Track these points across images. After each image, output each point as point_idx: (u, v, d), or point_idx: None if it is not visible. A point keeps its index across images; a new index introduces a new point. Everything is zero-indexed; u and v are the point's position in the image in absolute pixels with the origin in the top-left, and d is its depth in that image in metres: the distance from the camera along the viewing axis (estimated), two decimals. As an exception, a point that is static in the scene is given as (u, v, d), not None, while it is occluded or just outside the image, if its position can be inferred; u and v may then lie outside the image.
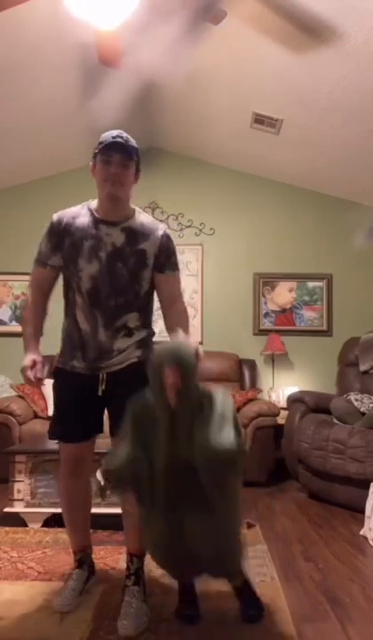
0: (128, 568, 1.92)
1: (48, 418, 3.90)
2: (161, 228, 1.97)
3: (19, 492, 2.80)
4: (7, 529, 2.70)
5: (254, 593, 1.86)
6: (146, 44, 2.88)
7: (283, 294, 4.81)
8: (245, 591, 1.85)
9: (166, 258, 1.95)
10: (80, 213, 1.97)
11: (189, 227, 4.88)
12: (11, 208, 4.91)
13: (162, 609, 1.85)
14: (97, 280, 1.88)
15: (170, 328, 1.93)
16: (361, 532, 2.70)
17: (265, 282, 4.82)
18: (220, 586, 2.00)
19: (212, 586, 2.02)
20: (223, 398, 1.68)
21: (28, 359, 2.04)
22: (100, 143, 1.88)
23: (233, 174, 4.91)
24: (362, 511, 2.75)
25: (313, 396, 3.83)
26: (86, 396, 1.93)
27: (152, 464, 1.58)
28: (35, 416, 3.95)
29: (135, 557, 1.91)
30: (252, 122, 3.95)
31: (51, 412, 3.92)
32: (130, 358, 1.91)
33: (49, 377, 4.71)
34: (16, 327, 4.81)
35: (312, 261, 4.82)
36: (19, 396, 4.02)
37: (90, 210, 1.96)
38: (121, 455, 1.61)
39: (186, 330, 1.88)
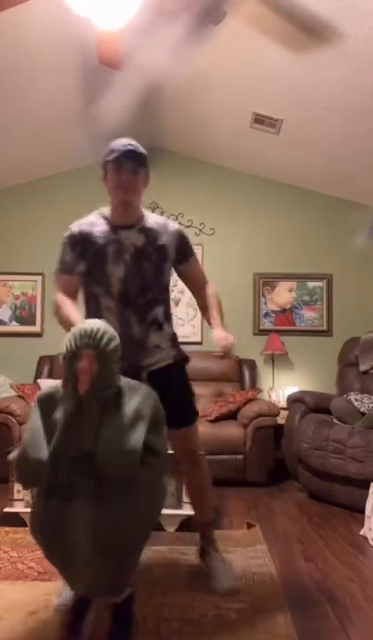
0: (203, 536, 2.18)
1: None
2: (172, 223, 2.13)
3: (19, 492, 2.80)
4: (7, 529, 2.70)
5: (130, 619, 1.62)
6: (148, 45, 2.88)
7: (283, 294, 4.81)
8: (122, 613, 1.60)
9: (186, 246, 2.13)
10: (96, 222, 2.03)
11: (189, 227, 4.88)
12: (12, 208, 4.91)
13: (162, 609, 1.85)
14: (125, 281, 1.96)
15: (204, 308, 2.16)
16: (361, 532, 2.70)
17: (265, 282, 4.82)
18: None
19: (211, 587, 2.03)
20: (145, 395, 1.59)
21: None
22: (111, 152, 1.96)
23: (233, 174, 4.91)
24: (362, 511, 2.75)
25: (313, 395, 3.83)
26: None
27: (53, 452, 1.49)
28: (35, 416, 3.95)
29: (208, 525, 2.19)
30: (252, 122, 3.95)
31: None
32: (167, 359, 2.05)
33: (49, 377, 4.72)
34: (16, 327, 4.82)
35: (312, 261, 4.82)
36: (19, 396, 4.02)
37: (104, 218, 2.03)
38: (32, 448, 1.50)
39: (220, 308, 2.12)
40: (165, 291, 2.08)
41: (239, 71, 3.40)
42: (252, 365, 4.57)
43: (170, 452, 1.93)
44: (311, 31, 2.74)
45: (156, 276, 2.01)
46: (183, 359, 2.12)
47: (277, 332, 4.67)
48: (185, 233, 2.14)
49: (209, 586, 2.01)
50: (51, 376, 4.43)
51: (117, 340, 1.53)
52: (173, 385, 2.01)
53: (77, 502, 1.45)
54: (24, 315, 4.82)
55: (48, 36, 3.05)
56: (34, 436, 1.52)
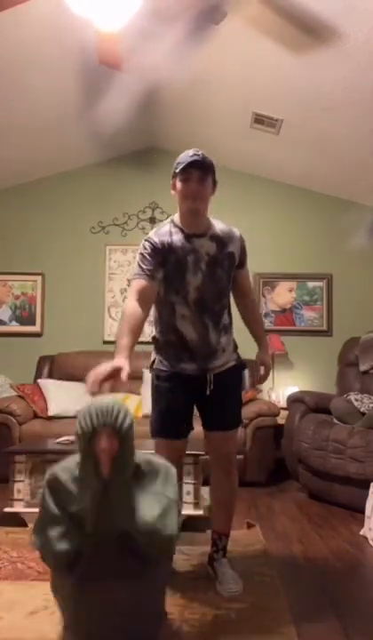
0: (215, 545, 2.18)
1: (48, 418, 3.91)
2: (236, 230, 2.19)
3: (19, 491, 2.80)
4: (7, 529, 2.70)
5: None
6: (148, 46, 2.88)
7: (283, 294, 4.81)
8: None
9: (245, 256, 2.21)
10: (172, 232, 2.08)
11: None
12: (12, 208, 4.91)
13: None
14: (202, 289, 2.05)
15: (245, 316, 2.29)
16: (361, 532, 2.70)
17: (265, 282, 4.82)
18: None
19: (212, 585, 2.03)
20: (166, 475, 1.57)
21: (121, 360, 1.79)
22: (178, 163, 2.05)
23: (233, 174, 4.90)
24: (362, 511, 2.75)
25: (313, 396, 3.83)
26: (191, 395, 2.10)
27: (77, 533, 1.46)
28: (35, 416, 3.95)
29: (224, 536, 2.19)
30: (252, 122, 3.95)
31: (51, 411, 3.93)
32: (230, 361, 2.16)
33: (49, 377, 4.72)
34: (16, 327, 4.82)
35: (312, 261, 4.82)
36: (19, 396, 4.02)
37: (177, 227, 2.09)
38: (52, 538, 1.48)
39: (259, 317, 2.35)
40: (229, 295, 2.19)
41: (239, 71, 3.40)
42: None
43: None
44: (311, 31, 2.74)
45: (227, 282, 2.13)
46: (242, 364, 2.23)
47: (277, 331, 4.67)
48: (244, 242, 2.21)
49: (218, 590, 2.01)
50: (50, 376, 4.43)
51: (132, 417, 1.49)
52: (229, 387, 2.13)
53: (113, 581, 1.45)
54: (24, 315, 4.82)
55: (48, 36, 3.04)
56: (54, 527, 1.48)
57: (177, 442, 2.09)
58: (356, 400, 3.57)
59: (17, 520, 2.77)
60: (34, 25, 2.93)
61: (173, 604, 1.88)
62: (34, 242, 4.87)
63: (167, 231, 2.07)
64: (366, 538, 2.64)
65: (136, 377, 4.25)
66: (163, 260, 2.02)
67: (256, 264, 4.82)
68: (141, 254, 2.03)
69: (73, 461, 1.55)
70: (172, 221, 2.11)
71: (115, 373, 1.71)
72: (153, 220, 4.85)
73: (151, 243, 2.04)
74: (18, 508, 2.79)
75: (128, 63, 2.83)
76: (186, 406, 2.10)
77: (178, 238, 2.04)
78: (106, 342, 4.66)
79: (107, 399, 1.49)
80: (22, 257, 4.85)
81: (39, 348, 4.68)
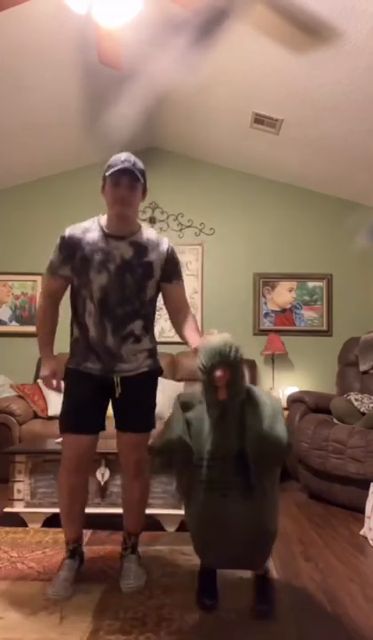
0: (124, 543, 2.19)
1: (48, 418, 3.91)
2: (166, 242, 2.15)
3: (19, 491, 2.80)
4: (7, 529, 2.70)
5: (271, 587, 1.96)
6: (149, 46, 2.88)
7: (283, 294, 4.81)
8: (263, 583, 1.94)
9: (173, 268, 2.14)
10: (90, 228, 2.10)
11: (189, 227, 4.88)
12: (12, 208, 4.92)
13: (162, 609, 1.85)
14: (106, 290, 2.03)
15: (181, 332, 2.13)
16: (361, 532, 2.70)
17: (265, 282, 4.82)
18: (219, 585, 2.01)
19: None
20: (271, 396, 1.85)
21: (48, 369, 2.14)
22: (109, 167, 2.01)
23: (233, 174, 4.91)
24: (362, 511, 2.75)
25: (313, 396, 3.83)
26: (100, 393, 2.10)
27: (198, 451, 1.71)
28: (35, 416, 3.95)
29: (133, 536, 2.18)
30: (252, 122, 3.95)
31: (51, 411, 3.93)
32: (142, 367, 2.11)
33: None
34: (16, 327, 4.82)
35: (312, 261, 4.82)
36: (19, 396, 4.02)
37: (99, 225, 2.10)
38: (172, 436, 1.74)
39: (197, 332, 2.10)
40: (147, 305, 2.11)
41: (239, 71, 3.40)
42: (252, 365, 4.57)
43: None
44: (311, 31, 2.74)
45: (138, 289, 2.06)
46: (156, 370, 2.17)
47: (277, 332, 4.67)
48: (176, 256, 2.16)
49: (120, 585, 2.03)
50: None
51: (241, 350, 1.71)
52: (143, 391, 2.12)
53: (232, 497, 1.67)
54: (24, 315, 4.82)
55: (48, 35, 3.05)
56: (182, 430, 1.76)
57: (82, 437, 2.04)
58: (356, 400, 3.58)
59: (17, 520, 2.77)
60: (34, 25, 2.93)
61: (173, 604, 1.88)
62: (34, 242, 4.87)
63: (84, 227, 2.10)
64: (366, 538, 2.64)
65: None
66: (69, 255, 2.06)
67: (256, 264, 4.88)
68: (55, 246, 2.11)
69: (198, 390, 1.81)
70: (98, 220, 2.12)
71: (54, 376, 2.13)
72: (153, 220, 4.85)
73: (62, 237, 2.09)
74: (18, 508, 2.79)
75: (129, 64, 2.83)
76: (94, 403, 2.08)
77: (92, 236, 2.06)
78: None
79: (218, 339, 1.72)
80: (22, 257, 4.85)
81: (39, 348, 4.68)
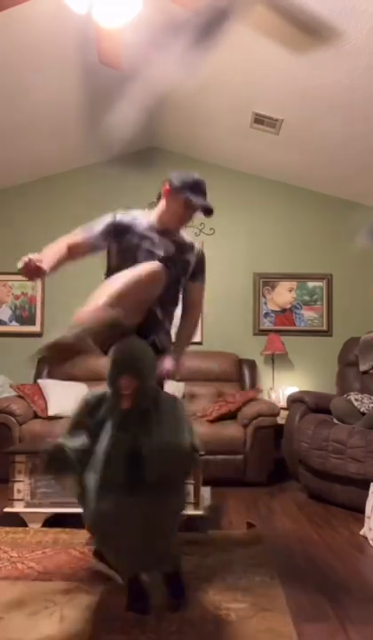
0: None
1: (48, 418, 3.91)
2: (198, 246, 2.33)
3: (19, 491, 2.80)
4: (7, 529, 2.69)
5: (181, 581, 1.93)
6: (151, 49, 2.88)
7: (283, 294, 4.81)
8: (173, 579, 1.91)
9: (200, 270, 2.31)
10: (139, 217, 2.24)
11: (189, 227, 4.86)
12: (12, 208, 4.92)
13: (162, 609, 1.85)
14: None
15: (180, 330, 2.31)
16: (361, 532, 2.70)
17: (265, 282, 4.82)
18: (220, 585, 2.01)
19: (213, 585, 2.03)
20: (177, 401, 1.85)
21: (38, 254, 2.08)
22: (193, 181, 2.22)
23: (233, 174, 4.91)
24: (362, 511, 2.75)
25: (313, 396, 3.83)
26: None
27: (98, 451, 1.70)
28: (35, 416, 3.95)
29: None
30: (252, 122, 3.95)
31: (51, 411, 3.93)
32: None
33: (49, 377, 4.72)
34: (16, 327, 4.82)
35: (312, 261, 4.82)
36: (19, 396, 4.02)
37: (148, 218, 2.25)
38: (67, 442, 1.74)
39: (188, 338, 2.31)
40: (176, 299, 2.25)
41: (239, 71, 3.40)
42: (252, 365, 4.57)
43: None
44: (311, 31, 2.74)
45: (175, 282, 2.18)
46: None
47: (277, 332, 4.67)
48: (204, 260, 2.33)
49: None
50: (50, 376, 4.43)
51: (153, 358, 1.75)
52: None
53: (132, 496, 1.67)
54: (24, 315, 4.82)
55: (49, 35, 3.05)
56: (77, 432, 1.75)
57: None
58: (356, 400, 3.57)
59: (17, 520, 2.77)
60: (34, 25, 2.93)
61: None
62: (34, 242, 4.84)
63: (134, 215, 2.23)
64: (366, 538, 2.64)
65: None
66: (118, 235, 2.16)
67: (256, 264, 4.88)
68: (101, 220, 2.19)
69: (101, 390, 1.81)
70: (146, 214, 2.28)
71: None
72: (153, 220, 4.84)
73: (113, 218, 2.19)
74: (18, 508, 2.79)
75: (129, 64, 2.83)
76: None
77: (141, 224, 2.19)
78: (106, 342, 4.66)
79: (131, 344, 1.75)
80: (22, 257, 4.84)
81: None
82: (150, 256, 2.11)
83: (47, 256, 2.10)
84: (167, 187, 2.23)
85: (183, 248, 2.24)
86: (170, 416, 1.75)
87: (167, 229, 2.22)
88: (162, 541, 1.78)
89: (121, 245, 2.18)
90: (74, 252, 2.17)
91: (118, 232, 2.17)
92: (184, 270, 2.23)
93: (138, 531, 1.69)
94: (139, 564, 1.80)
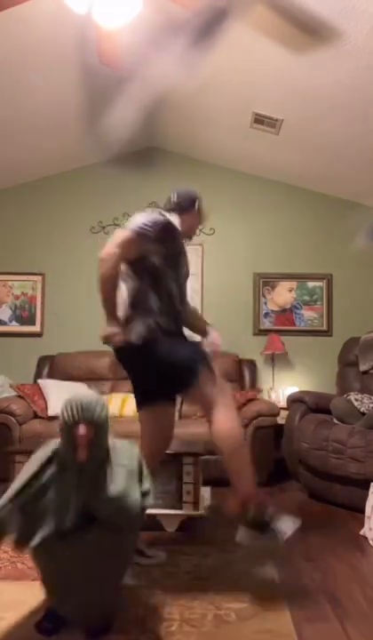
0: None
1: (48, 418, 3.91)
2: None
3: (19, 492, 2.80)
4: (7, 529, 2.69)
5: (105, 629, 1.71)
6: (151, 49, 2.88)
7: (283, 294, 4.81)
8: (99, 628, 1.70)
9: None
10: (175, 223, 2.32)
11: (189, 227, 4.88)
12: (12, 208, 4.92)
13: (162, 609, 1.85)
14: (180, 287, 2.31)
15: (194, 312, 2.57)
16: (361, 532, 2.70)
17: (265, 282, 4.82)
18: (220, 585, 2.01)
19: (212, 585, 2.03)
20: (132, 454, 1.78)
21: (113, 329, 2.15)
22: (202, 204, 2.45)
23: (233, 174, 4.91)
24: (362, 511, 2.75)
25: (313, 396, 3.83)
26: None
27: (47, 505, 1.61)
28: (35, 416, 3.95)
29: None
30: (252, 122, 3.95)
31: (51, 411, 3.93)
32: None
33: (49, 377, 4.71)
34: (16, 327, 4.82)
35: (312, 261, 4.82)
36: (19, 396, 4.02)
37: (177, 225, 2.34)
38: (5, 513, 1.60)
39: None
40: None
41: (239, 71, 3.40)
42: (252, 365, 4.57)
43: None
44: (311, 31, 2.74)
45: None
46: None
47: (277, 331, 4.67)
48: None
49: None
50: (50, 376, 4.43)
51: (107, 409, 1.69)
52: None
53: (80, 545, 1.60)
54: (24, 315, 4.82)
55: (48, 35, 3.05)
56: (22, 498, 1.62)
57: None
58: (356, 400, 3.57)
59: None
60: (34, 25, 2.93)
61: (173, 604, 1.88)
62: (34, 242, 4.87)
63: (174, 220, 2.30)
64: (366, 538, 2.64)
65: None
66: (165, 240, 2.17)
67: (256, 264, 4.88)
68: (155, 219, 2.16)
69: (53, 444, 1.74)
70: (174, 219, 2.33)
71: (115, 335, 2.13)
72: (153, 220, 4.84)
73: (166, 220, 2.21)
74: (18, 507, 2.79)
75: (129, 64, 2.83)
76: None
77: (179, 232, 2.31)
78: (106, 342, 4.66)
79: (87, 394, 1.71)
80: (22, 257, 4.85)
81: (39, 348, 4.68)
82: (185, 262, 2.34)
83: (113, 318, 2.15)
84: (193, 203, 2.40)
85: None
86: (122, 471, 1.68)
87: (187, 238, 2.42)
88: (105, 591, 1.69)
89: (167, 250, 2.21)
90: (127, 252, 2.15)
91: (166, 236, 2.20)
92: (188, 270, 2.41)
93: (82, 576, 1.62)
94: (74, 608, 1.68)
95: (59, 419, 1.67)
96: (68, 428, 1.63)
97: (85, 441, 1.60)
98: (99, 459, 1.67)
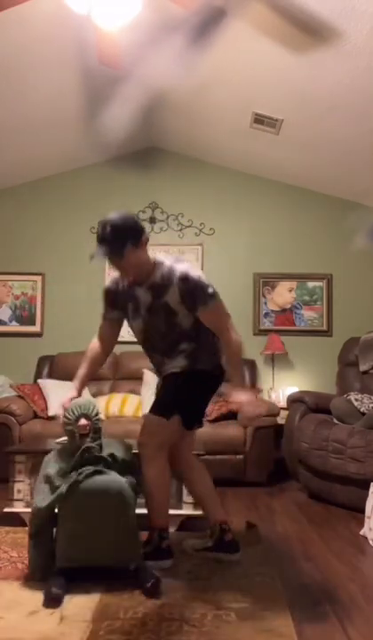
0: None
1: (48, 418, 3.91)
2: (175, 275, 2.14)
3: (19, 492, 2.80)
4: (7, 529, 2.69)
5: (147, 570, 2.04)
6: (151, 50, 2.88)
7: (283, 294, 4.81)
8: (141, 570, 2.03)
9: (191, 298, 2.15)
10: (119, 280, 2.33)
11: (189, 227, 4.88)
12: (12, 208, 4.92)
13: (162, 609, 1.85)
14: (145, 333, 2.29)
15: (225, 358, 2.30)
16: (361, 532, 2.70)
17: (265, 282, 4.82)
18: (220, 585, 2.01)
19: (213, 585, 2.03)
20: (125, 448, 2.28)
21: (67, 396, 2.34)
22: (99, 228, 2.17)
23: (233, 174, 4.91)
24: (362, 511, 2.75)
25: (313, 396, 3.83)
26: None
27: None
28: (35, 416, 3.95)
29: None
30: (252, 122, 3.95)
31: (51, 412, 3.93)
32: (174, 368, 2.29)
33: (49, 377, 4.71)
34: (16, 327, 4.82)
35: (312, 261, 4.82)
36: (19, 396, 4.02)
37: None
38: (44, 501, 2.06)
39: (234, 360, 2.26)
40: (190, 330, 2.22)
41: (239, 71, 3.40)
42: (252, 365, 4.57)
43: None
44: (311, 31, 2.74)
45: (168, 327, 2.21)
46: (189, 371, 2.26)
47: (277, 331, 4.67)
48: (189, 284, 2.13)
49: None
50: (50, 376, 4.43)
51: (98, 409, 2.20)
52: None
53: (88, 518, 2.04)
54: (24, 315, 4.82)
55: (48, 35, 3.05)
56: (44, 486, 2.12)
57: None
58: (356, 400, 3.57)
59: (17, 520, 2.77)
60: (34, 25, 2.93)
61: (173, 604, 1.88)
62: (34, 242, 4.87)
63: (116, 279, 2.34)
64: (366, 538, 2.64)
65: (137, 377, 4.27)
66: (113, 303, 2.34)
67: (256, 264, 4.88)
68: (103, 295, 2.39)
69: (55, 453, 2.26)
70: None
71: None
72: (153, 220, 4.85)
73: (105, 287, 2.39)
74: (18, 507, 2.79)
75: (128, 64, 2.83)
76: None
77: (124, 285, 2.29)
78: (106, 342, 4.67)
79: (83, 399, 2.27)
80: (22, 257, 4.85)
81: (39, 348, 4.68)
82: (137, 315, 2.27)
83: (76, 384, 2.41)
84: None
85: (159, 290, 2.18)
86: (119, 459, 2.17)
87: (137, 278, 2.22)
88: (123, 548, 2.03)
89: (120, 312, 2.35)
90: (105, 338, 2.44)
91: (111, 299, 2.36)
92: (169, 312, 2.18)
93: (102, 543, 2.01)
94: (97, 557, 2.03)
95: (65, 416, 2.16)
96: (73, 422, 2.12)
97: (86, 429, 2.13)
98: (96, 446, 2.14)
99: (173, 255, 2.36)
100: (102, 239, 2.08)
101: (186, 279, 2.13)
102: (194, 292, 2.14)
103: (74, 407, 2.17)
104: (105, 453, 2.18)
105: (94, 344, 2.43)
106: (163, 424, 2.19)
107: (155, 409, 2.24)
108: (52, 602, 1.86)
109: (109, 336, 2.43)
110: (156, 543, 2.20)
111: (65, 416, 2.15)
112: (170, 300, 2.16)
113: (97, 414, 2.18)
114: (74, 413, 2.15)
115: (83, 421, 2.14)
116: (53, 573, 2.00)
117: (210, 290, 2.15)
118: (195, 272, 2.17)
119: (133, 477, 2.19)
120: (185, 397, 2.25)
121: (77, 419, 2.14)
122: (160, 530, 2.22)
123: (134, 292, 2.24)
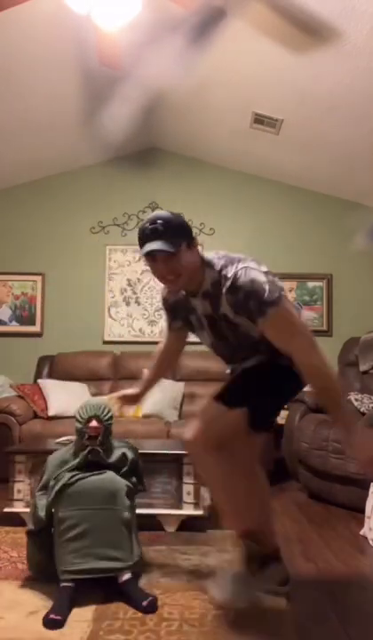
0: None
1: (48, 418, 3.91)
2: (227, 282, 1.73)
3: (19, 492, 2.80)
4: (7, 529, 2.70)
5: (140, 589, 1.95)
6: (151, 50, 2.88)
7: (283, 294, 4.81)
8: (133, 588, 1.94)
9: (246, 311, 1.73)
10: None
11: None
12: (12, 208, 4.92)
13: (162, 609, 1.85)
14: (215, 347, 1.99)
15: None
16: (361, 532, 2.70)
17: (265, 282, 4.82)
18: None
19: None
20: (133, 451, 2.29)
21: (131, 389, 2.32)
22: (139, 239, 1.77)
23: (233, 174, 4.91)
24: (362, 511, 2.75)
25: (313, 395, 3.82)
26: None
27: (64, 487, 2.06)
28: (35, 416, 3.95)
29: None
30: (252, 122, 3.95)
31: (51, 412, 3.93)
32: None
33: (49, 377, 4.71)
34: (16, 327, 4.82)
35: (312, 261, 4.82)
36: (19, 396, 4.02)
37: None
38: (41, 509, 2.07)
39: (327, 394, 1.92)
40: (261, 342, 1.80)
41: (239, 71, 3.40)
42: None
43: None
44: (311, 31, 2.74)
45: (239, 339, 1.84)
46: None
47: (277, 332, 4.67)
48: (239, 295, 1.70)
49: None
50: (50, 376, 4.43)
51: (112, 411, 2.22)
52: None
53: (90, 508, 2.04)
54: (24, 315, 4.82)
55: (48, 36, 3.05)
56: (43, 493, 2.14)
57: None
58: (356, 400, 3.57)
59: (17, 520, 2.77)
60: (34, 25, 2.93)
61: (173, 604, 1.88)
62: (34, 242, 4.87)
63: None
64: (366, 538, 2.64)
65: (137, 377, 4.27)
66: (173, 313, 2.08)
67: (256, 264, 4.86)
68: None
69: (64, 449, 2.28)
70: None
71: (127, 398, 2.30)
72: (153, 220, 4.84)
73: (162, 296, 2.11)
74: (18, 507, 2.79)
75: (128, 65, 2.83)
76: None
77: (180, 296, 1.94)
78: (105, 342, 4.66)
79: (97, 399, 2.30)
80: (22, 257, 4.85)
81: (39, 348, 4.68)
82: (202, 328, 1.92)
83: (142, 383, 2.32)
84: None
85: (214, 301, 1.79)
86: (128, 461, 2.22)
87: (188, 287, 1.85)
88: (118, 547, 1.99)
89: (183, 321, 2.04)
90: (171, 348, 2.28)
91: (172, 310, 2.08)
92: (230, 323, 1.80)
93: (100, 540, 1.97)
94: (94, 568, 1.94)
95: (77, 415, 2.19)
96: (84, 422, 2.15)
97: (96, 431, 2.14)
98: (105, 446, 2.17)
99: (221, 251, 1.87)
100: (153, 232, 1.70)
101: (233, 289, 1.71)
102: (245, 303, 1.71)
103: (87, 406, 2.19)
104: (116, 454, 2.20)
105: (159, 346, 2.26)
106: (223, 413, 1.78)
107: (218, 396, 1.84)
108: (53, 627, 1.74)
109: (173, 342, 2.22)
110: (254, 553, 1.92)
111: (78, 413, 2.17)
112: (227, 312, 1.77)
113: (109, 417, 2.18)
114: (86, 412, 2.16)
115: (93, 423, 2.15)
116: (56, 591, 1.90)
117: (268, 295, 1.69)
118: (247, 275, 1.72)
119: (137, 478, 2.23)
120: (256, 389, 1.85)
121: (89, 419, 2.15)
122: (244, 536, 1.96)
123: (192, 304, 1.88)
